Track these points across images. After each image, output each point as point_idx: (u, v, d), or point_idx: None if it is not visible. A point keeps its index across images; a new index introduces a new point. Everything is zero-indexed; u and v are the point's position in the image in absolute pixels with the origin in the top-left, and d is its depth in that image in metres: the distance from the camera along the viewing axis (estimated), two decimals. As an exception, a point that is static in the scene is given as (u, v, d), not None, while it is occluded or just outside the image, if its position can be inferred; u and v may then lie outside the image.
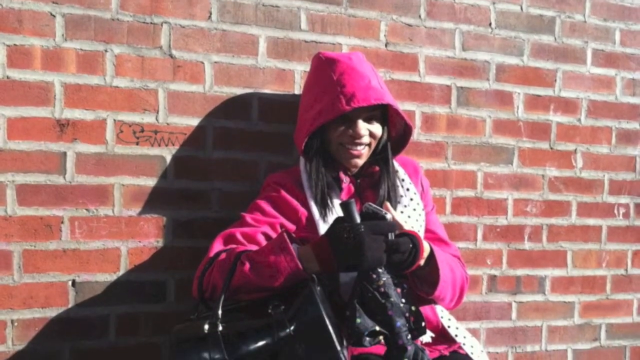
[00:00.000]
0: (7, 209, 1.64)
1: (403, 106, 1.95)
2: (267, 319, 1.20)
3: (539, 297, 2.19)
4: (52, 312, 1.69)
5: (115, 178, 1.73)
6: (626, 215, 2.30)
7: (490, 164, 2.11)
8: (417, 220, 1.60)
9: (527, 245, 2.17)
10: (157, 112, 1.75)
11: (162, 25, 1.75)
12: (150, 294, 1.77)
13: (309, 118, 1.56)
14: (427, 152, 2.03)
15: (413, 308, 1.28)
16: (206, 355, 1.16)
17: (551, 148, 2.18)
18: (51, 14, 1.66)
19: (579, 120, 2.22)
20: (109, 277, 1.73)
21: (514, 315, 2.16)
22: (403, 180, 1.66)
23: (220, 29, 1.81)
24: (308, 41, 1.89)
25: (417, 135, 2.01)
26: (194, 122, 1.79)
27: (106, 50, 1.71)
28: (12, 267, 1.65)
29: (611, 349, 2.31)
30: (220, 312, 1.22)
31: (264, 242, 1.45)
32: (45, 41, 1.66)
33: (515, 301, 2.16)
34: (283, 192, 1.57)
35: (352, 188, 1.62)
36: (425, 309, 1.52)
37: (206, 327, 1.19)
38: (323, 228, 1.50)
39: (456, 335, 1.61)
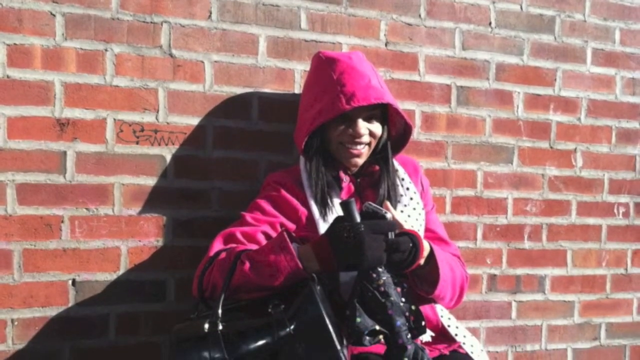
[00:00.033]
0: (7, 208, 1.64)
1: (403, 105, 1.95)
2: (267, 318, 1.20)
3: (538, 297, 2.19)
4: (52, 312, 1.69)
5: (115, 177, 1.73)
6: (626, 214, 2.30)
7: (490, 163, 2.11)
8: (417, 219, 1.60)
9: (527, 244, 2.17)
10: (157, 112, 1.76)
11: (162, 25, 1.75)
12: (150, 293, 1.77)
13: (309, 117, 1.56)
14: (427, 151, 2.03)
15: (413, 307, 1.28)
16: (206, 354, 1.16)
17: (551, 147, 2.18)
18: (51, 13, 1.66)
19: (579, 119, 2.22)
20: (109, 277, 1.73)
21: (513, 314, 2.16)
22: (403, 179, 1.66)
23: (220, 29, 1.81)
24: (308, 40, 1.89)
25: (417, 134, 2.01)
26: (194, 121, 1.79)
27: (106, 50, 1.71)
28: (12, 266, 1.65)
29: (611, 348, 2.31)
30: (220, 311, 1.22)
31: (264, 241, 1.45)
32: (46, 40, 1.66)
33: (515, 300, 2.16)
34: (283, 192, 1.57)
35: (352, 187, 1.62)
36: (425, 308, 1.52)
37: (206, 326, 1.19)
38: (323, 227, 1.50)
39: (456, 335, 1.61)
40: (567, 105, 2.20)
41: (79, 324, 1.71)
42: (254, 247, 1.40)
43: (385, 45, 1.97)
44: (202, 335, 1.18)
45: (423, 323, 1.28)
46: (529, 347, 2.19)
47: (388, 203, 1.45)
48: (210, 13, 1.80)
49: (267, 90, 1.85)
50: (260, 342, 1.18)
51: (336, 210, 1.53)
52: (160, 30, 1.75)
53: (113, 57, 1.71)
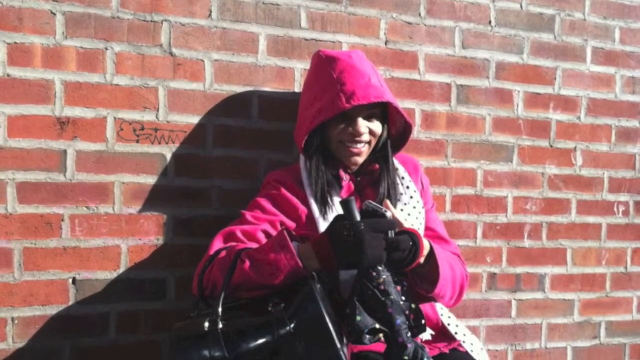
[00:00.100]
0: (8, 206, 1.64)
1: (403, 104, 1.95)
2: (267, 316, 1.20)
3: (538, 295, 2.20)
4: (52, 310, 1.69)
5: (116, 176, 1.73)
6: (626, 213, 2.30)
7: (490, 162, 2.11)
8: (416, 218, 1.60)
9: (526, 242, 2.17)
10: (157, 110, 1.76)
11: (162, 23, 1.75)
12: (151, 291, 1.77)
13: (309, 116, 1.56)
14: (427, 149, 2.03)
15: (413, 306, 1.28)
16: (206, 352, 1.16)
17: (551, 146, 2.18)
18: (51, 12, 1.66)
19: (579, 118, 2.22)
20: (109, 275, 1.73)
21: (513, 312, 2.17)
22: (403, 178, 1.66)
23: (220, 27, 1.81)
24: (308, 39, 1.89)
25: (417, 133, 2.01)
26: (194, 119, 1.79)
27: (106, 48, 1.71)
28: (13, 264, 1.65)
29: (611, 347, 2.31)
30: (220, 309, 1.22)
31: (264, 239, 1.46)
32: (46, 39, 1.66)
33: (515, 299, 2.16)
34: (283, 190, 1.57)
35: (352, 186, 1.62)
36: (425, 307, 1.52)
37: (206, 324, 1.19)
38: (323, 226, 1.50)
39: (456, 333, 1.62)
40: (567, 103, 2.20)
41: (79, 323, 1.71)
42: (254, 245, 1.40)
43: (385, 43, 1.97)
44: (202, 333, 1.18)
45: (423, 321, 1.28)
46: (528, 346, 2.20)
47: (388, 201, 1.45)
48: (210, 12, 1.80)
49: (267, 88, 1.85)
50: (260, 341, 1.18)
51: (336, 209, 1.53)
52: (160, 29, 1.75)
53: (113, 56, 1.71)
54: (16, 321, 1.67)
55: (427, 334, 1.57)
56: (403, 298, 1.28)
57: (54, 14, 1.66)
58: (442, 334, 1.63)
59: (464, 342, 1.60)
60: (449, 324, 1.63)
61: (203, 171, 1.80)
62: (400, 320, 1.24)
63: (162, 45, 1.76)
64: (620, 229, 2.30)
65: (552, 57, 2.17)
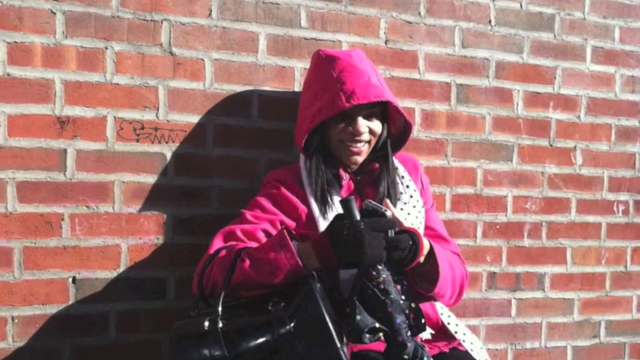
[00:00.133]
0: (8, 206, 1.64)
1: (403, 103, 1.95)
2: (267, 315, 1.20)
3: (538, 294, 2.20)
4: (52, 309, 1.69)
5: (116, 175, 1.73)
6: (625, 212, 2.30)
7: (489, 161, 2.11)
8: (416, 217, 1.60)
9: (526, 242, 2.17)
10: (158, 110, 1.76)
11: (162, 23, 1.75)
12: (151, 290, 1.77)
13: (309, 115, 1.56)
14: (427, 149, 2.03)
15: (413, 305, 1.28)
16: (206, 351, 1.16)
17: (551, 145, 2.18)
18: (51, 11, 1.66)
19: (579, 117, 2.22)
20: (109, 274, 1.74)
21: (513, 312, 2.17)
22: (403, 177, 1.66)
23: (220, 27, 1.81)
24: (308, 38, 1.89)
25: (417, 132, 2.01)
26: (194, 119, 1.79)
27: (106, 48, 1.71)
28: (13, 264, 1.65)
29: (610, 346, 2.31)
30: (220, 308, 1.22)
31: (264, 239, 1.46)
32: (46, 38, 1.66)
33: (514, 298, 2.16)
34: (283, 189, 1.57)
35: (352, 185, 1.62)
36: (425, 306, 1.52)
37: (206, 323, 1.19)
38: (323, 225, 1.50)
39: (456, 332, 1.62)
40: (567, 103, 2.20)
41: (79, 322, 1.71)
42: (254, 244, 1.40)
43: (385, 43, 1.97)
44: (202, 332, 1.18)
45: (423, 321, 1.29)
46: (528, 345, 2.20)
47: (388, 201, 1.45)
48: (211, 11, 1.80)
49: (267, 88, 1.85)
50: (260, 340, 1.18)
51: (336, 208, 1.53)
52: (160, 28, 1.75)
53: (113, 55, 1.71)
54: (16, 320, 1.67)
55: (427, 333, 1.57)
56: (403, 297, 1.28)
57: (54, 13, 1.66)
58: (442, 333, 1.63)
59: (464, 341, 1.60)
60: (448, 323, 1.64)
61: (203, 170, 1.80)
62: (400, 319, 1.24)
63: (162, 44, 1.76)
64: (620, 228, 2.30)
65: (552, 56, 2.17)
